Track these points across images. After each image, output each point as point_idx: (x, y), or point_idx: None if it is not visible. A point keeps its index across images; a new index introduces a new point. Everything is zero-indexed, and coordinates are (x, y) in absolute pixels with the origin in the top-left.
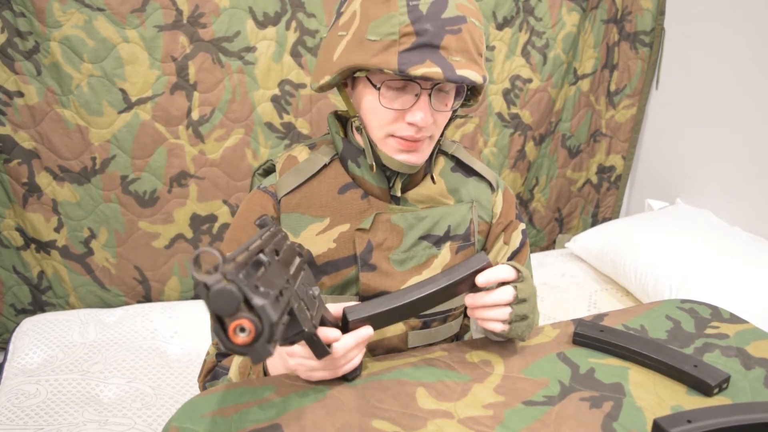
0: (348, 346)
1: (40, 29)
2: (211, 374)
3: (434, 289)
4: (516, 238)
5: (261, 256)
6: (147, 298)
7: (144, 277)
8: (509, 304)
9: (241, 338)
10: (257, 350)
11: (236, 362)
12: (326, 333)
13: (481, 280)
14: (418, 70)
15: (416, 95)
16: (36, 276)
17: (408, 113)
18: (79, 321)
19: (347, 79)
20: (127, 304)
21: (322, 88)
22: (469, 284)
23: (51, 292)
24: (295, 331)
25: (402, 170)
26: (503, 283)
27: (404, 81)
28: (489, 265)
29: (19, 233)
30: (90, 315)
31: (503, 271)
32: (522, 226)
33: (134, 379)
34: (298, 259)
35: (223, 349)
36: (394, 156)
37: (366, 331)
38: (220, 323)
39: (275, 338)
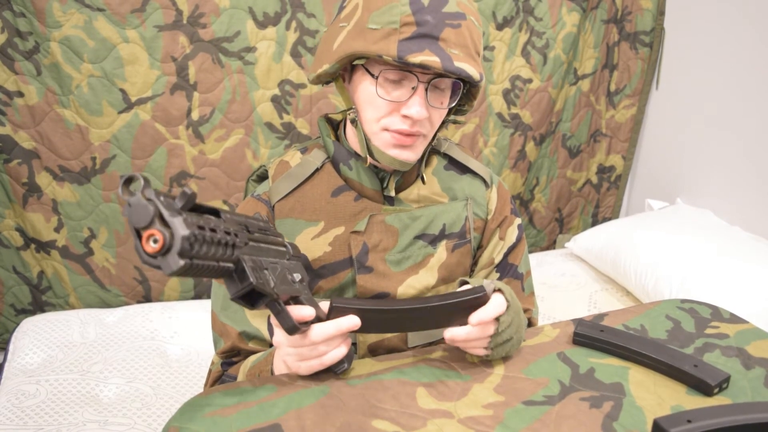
0: (328, 332)
1: (40, 29)
2: (218, 384)
3: (427, 305)
4: (512, 234)
5: (187, 189)
6: (147, 298)
7: (144, 277)
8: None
9: (152, 247)
10: (168, 261)
11: (243, 370)
12: (298, 310)
13: (473, 320)
14: (417, 58)
15: (413, 88)
16: (36, 276)
17: (403, 106)
18: (79, 321)
19: (344, 71)
20: (127, 304)
21: (320, 78)
22: (464, 314)
23: (51, 292)
24: (244, 282)
25: (393, 166)
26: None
27: (402, 72)
28: (485, 297)
29: (19, 233)
30: (90, 315)
31: (496, 307)
32: (518, 221)
33: (134, 379)
34: (282, 249)
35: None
36: (387, 150)
37: (349, 321)
38: (138, 237)
39: (190, 256)
